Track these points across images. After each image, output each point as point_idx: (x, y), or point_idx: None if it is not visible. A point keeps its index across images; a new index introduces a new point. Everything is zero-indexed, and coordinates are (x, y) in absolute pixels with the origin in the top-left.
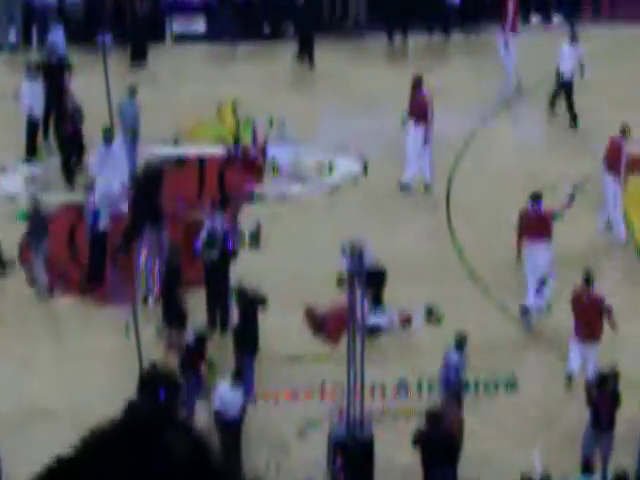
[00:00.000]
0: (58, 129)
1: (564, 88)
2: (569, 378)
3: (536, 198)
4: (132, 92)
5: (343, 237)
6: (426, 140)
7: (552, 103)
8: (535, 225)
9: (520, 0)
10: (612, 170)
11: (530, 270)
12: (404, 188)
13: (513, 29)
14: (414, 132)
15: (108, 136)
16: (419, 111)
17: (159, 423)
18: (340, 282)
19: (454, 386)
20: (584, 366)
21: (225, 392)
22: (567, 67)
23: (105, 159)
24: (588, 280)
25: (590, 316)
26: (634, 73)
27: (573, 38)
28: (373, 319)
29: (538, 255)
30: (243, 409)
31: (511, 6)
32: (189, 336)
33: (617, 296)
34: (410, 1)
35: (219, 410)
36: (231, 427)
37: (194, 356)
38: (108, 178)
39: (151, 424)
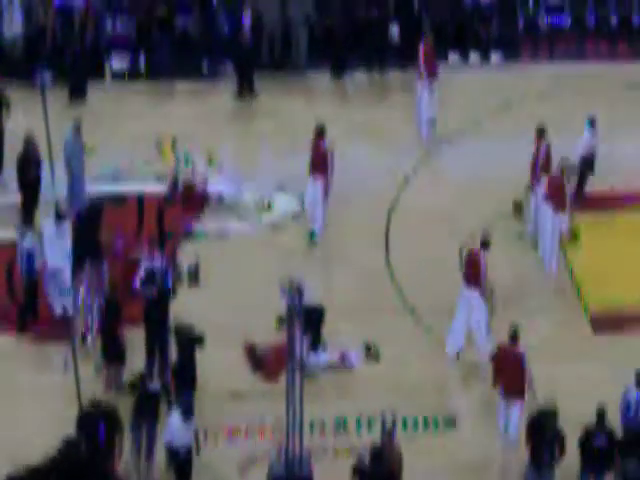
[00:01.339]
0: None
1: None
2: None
3: (485, 245)
4: (76, 128)
5: (282, 274)
6: (325, 192)
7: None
8: (470, 271)
9: (434, 46)
10: (552, 205)
11: (461, 311)
12: (312, 245)
13: (430, 74)
14: (313, 184)
15: (58, 212)
16: (318, 163)
17: (88, 465)
18: (280, 323)
19: (635, 423)
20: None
21: (174, 423)
22: (586, 151)
23: (55, 237)
24: (514, 337)
25: (512, 373)
26: (572, 109)
27: (592, 122)
28: (312, 357)
29: (473, 300)
30: (197, 445)
31: (421, 52)
32: (154, 385)
33: (553, 336)
34: (351, 39)
35: (168, 441)
36: (181, 459)
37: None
38: (56, 258)
39: (81, 465)
